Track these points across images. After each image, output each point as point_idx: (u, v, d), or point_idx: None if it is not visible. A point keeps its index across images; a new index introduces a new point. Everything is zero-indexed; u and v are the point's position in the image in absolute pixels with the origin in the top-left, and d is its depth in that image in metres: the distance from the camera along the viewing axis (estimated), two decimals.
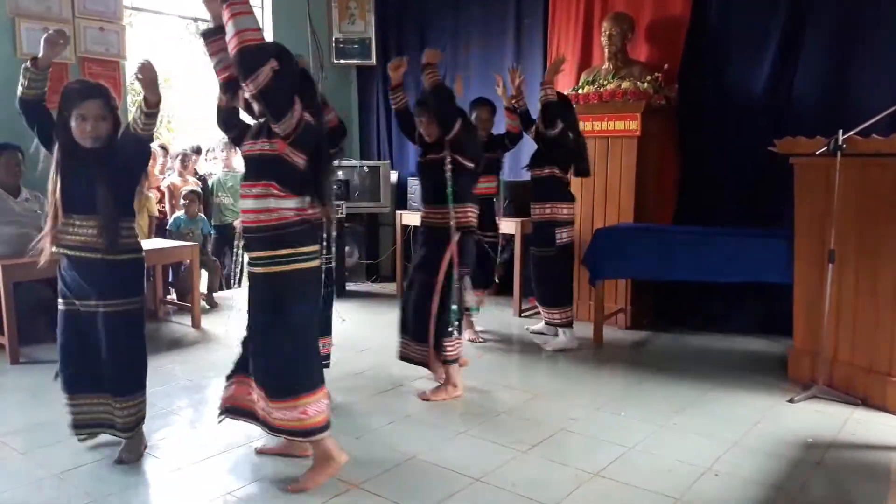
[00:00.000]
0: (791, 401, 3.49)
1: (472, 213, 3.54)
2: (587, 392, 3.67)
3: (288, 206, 2.49)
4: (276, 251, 2.50)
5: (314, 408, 2.57)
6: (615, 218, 4.88)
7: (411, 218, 6.11)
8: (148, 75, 2.60)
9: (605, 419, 3.30)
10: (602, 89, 4.86)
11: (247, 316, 2.68)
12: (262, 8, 6.48)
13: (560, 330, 4.44)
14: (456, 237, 3.45)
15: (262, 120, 2.56)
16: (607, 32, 5.01)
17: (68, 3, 4.87)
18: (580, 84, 5.15)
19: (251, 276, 2.62)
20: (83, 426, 2.88)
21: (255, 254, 2.54)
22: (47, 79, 2.69)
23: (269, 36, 6.47)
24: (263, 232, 2.50)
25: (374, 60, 6.83)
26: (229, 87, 2.62)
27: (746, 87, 4.72)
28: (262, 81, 2.30)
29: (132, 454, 2.86)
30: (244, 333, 2.74)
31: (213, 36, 2.56)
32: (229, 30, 2.30)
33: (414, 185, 6.15)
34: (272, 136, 2.46)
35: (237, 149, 2.97)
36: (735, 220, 4.67)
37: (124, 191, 2.77)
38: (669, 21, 5.04)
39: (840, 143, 3.33)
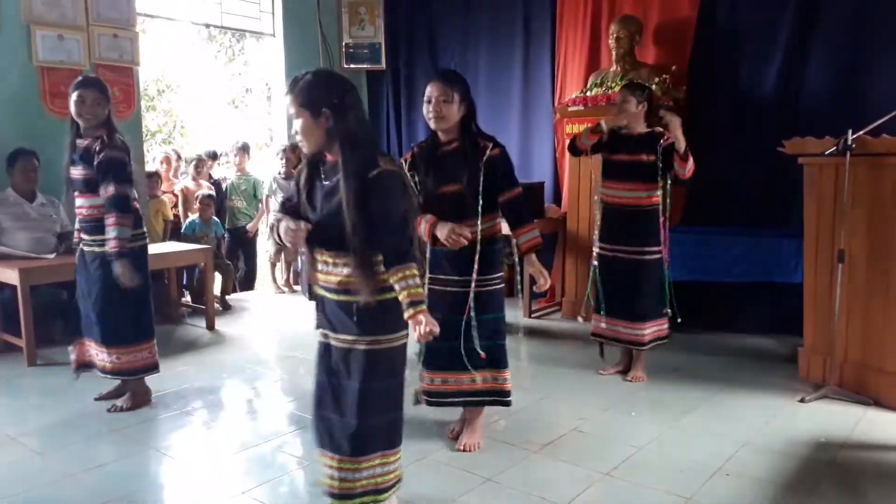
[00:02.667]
0: (802, 401, 3.48)
1: None
2: (597, 392, 3.67)
3: None
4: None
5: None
6: None
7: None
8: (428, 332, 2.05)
9: (615, 419, 3.31)
10: (610, 91, 4.87)
11: None
12: (273, 14, 6.54)
13: None
14: None
15: None
16: (615, 35, 5.02)
17: (82, 10, 4.93)
18: (588, 86, 5.17)
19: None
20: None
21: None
22: None
23: (279, 42, 6.54)
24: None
25: (383, 65, 6.88)
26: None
27: (755, 87, 4.72)
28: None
29: None
30: None
31: None
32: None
33: None
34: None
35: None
36: (744, 220, 4.67)
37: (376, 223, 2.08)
38: (677, 22, 5.05)
39: (849, 142, 3.32)
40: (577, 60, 5.56)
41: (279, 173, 6.31)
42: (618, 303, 3.81)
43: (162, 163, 6.26)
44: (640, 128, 3.72)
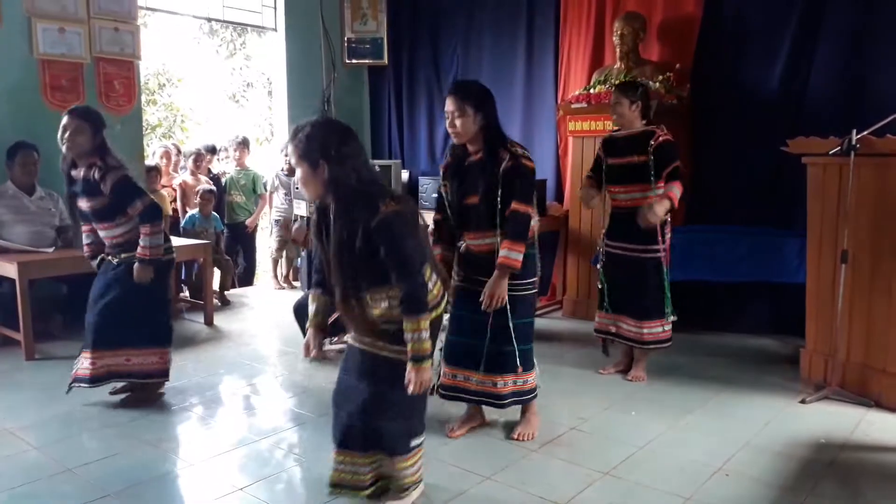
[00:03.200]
0: (803, 401, 3.47)
1: None
2: (597, 392, 3.66)
3: None
4: None
5: None
6: None
7: (423, 217, 6.11)
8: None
9: (615, 419, 3.30)
10: (613, 89, 4.84)
11: None
12: (276, 8, 6.52)
13: None
14: None
15: None
16: (619, 32, 4.99)
17: (83, 3, 4.90)
18: (592, 83, 5.14)
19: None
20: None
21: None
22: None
23: (281, 36, 6.52)
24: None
25: (385, 60, 6.85)
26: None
27: (760, 86, 4.69)
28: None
29: None
30: None
31: None
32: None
33: (426, 185, 6.15)
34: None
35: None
36: (747, 219, 4.65)
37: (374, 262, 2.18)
38: (682, 20, 5.02)
39: (854, 142, 3.30)
40: (581, 57, 5.54)
41: (282, 170, 6.30)
42: (621, 300, 3.81)
43: (161, 157, 6.24)
44: (637, 126, 3.69)
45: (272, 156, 7.23)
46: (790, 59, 4.55)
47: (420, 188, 6.24)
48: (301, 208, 5.98)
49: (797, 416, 3.32)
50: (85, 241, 3.56)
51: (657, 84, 4.72)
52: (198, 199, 5.76)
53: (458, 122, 2.80)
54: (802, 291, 3.77)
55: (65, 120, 3.29)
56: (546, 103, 5.80)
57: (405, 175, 6.60)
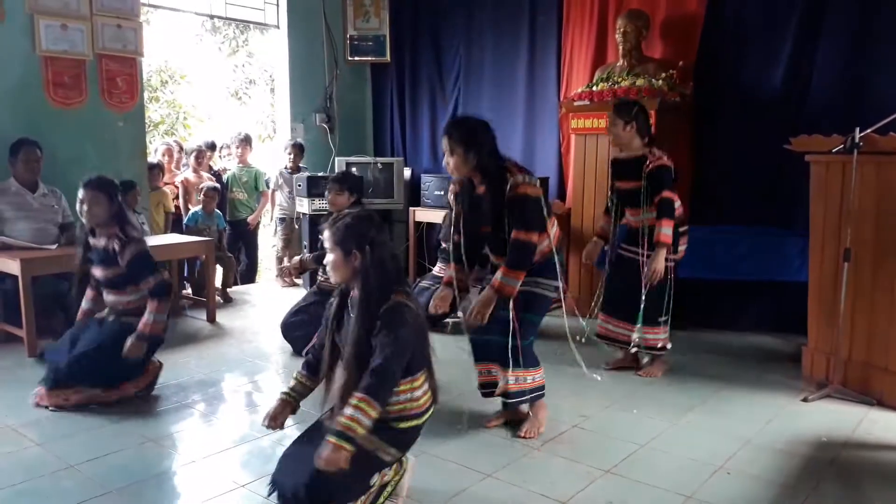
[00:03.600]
0: (805, 400, 3.47)
1: None
2: (599, 390, 3.65)
3: None
4: None
5: None
6: None
7: (424, 215, 6.13)
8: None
9: (616, 417, 3.30)
10: (616, 86, 4.83)
11: None
12: (278, 6, 6.52)
13: None
14: None
15: None
16: (622, 29, 4.98)
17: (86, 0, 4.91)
18: (594, 81, 5.12)
19: None
20: None
21: None
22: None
23: (283, 34, 6.51)
24: None
25: (388, 57, 6.85)
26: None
27: (762, 84, 4.68)
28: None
29: None
30: None
31: None
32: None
33: (428, 183, 6.15)
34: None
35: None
36: (749, 217, 4.64)
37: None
38: (684, 17, 5.01)
39: (857, 140, 3.29)
40: (584, 55, 5.53)
41: (285, 167, 6.30)
42: (611, 301, 3.91)
43: (164, 154, 6.24)
44: (635, 146, 3.68)
45: (274, 153, 7.23)
46: (792, 58, 4.54)
47: (422, 186, 6.24)
48: (303, 206, 5.98)
49: (799, 415, 3.32)
50: (84, 305, 3.62)
51: (660, 82, 4.71)
52: (201, 196, 5.77)
53: (451, 161, 2.91)
54: (804, 289, 3.77)
55: (80, 193, 3.35)
56: (548, 101, 5.80)
57: (407, 173, 6.60)
